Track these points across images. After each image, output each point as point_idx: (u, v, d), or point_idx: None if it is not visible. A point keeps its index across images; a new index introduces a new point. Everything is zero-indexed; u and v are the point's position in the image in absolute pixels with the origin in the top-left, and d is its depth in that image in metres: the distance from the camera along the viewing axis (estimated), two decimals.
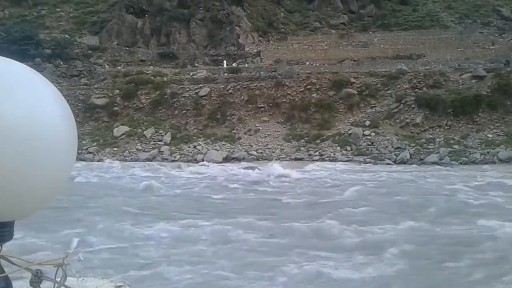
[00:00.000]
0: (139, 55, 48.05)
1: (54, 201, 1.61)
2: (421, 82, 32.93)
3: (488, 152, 26.51)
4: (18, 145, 1.28)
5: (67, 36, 47.77)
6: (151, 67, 43.23)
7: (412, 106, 31.45)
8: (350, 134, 30.75)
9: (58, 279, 1.68)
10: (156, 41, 52.24)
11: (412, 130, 30.31)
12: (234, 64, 43.44)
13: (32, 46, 41.80)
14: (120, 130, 32.77)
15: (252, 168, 24.51)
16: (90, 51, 46.15)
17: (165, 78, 37.43)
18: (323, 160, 28.31)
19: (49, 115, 1.38)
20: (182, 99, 35.24)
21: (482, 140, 28.23)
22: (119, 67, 43.51)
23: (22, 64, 1.43)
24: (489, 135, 28.55)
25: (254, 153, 30.23)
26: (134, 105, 35.54)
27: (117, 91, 36.24)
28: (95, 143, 31.70)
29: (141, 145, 31.54)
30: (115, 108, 35.38)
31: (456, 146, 27.72)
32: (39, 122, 1.34)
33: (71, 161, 1.59)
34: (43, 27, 52.29)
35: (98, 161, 28.91)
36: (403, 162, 26.86)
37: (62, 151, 1.47)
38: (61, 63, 43.17)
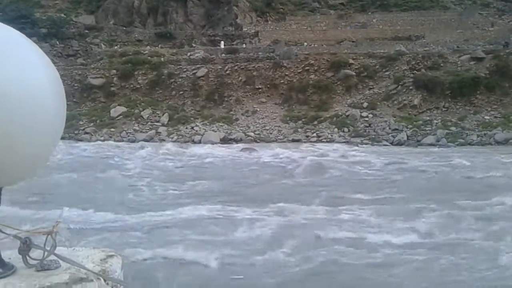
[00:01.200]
0: (136, 35, 47.60)
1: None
2: (420, 64, 32.81)
3: (485, 134, 26.59)
4: (4, 110, 1.28)
5: (63, 15, 47.22)
6: (148, 47, 42.89)
7: (410, 87, 31.38)
8: (348, 115, 30.73)
9: (47, 248, 1.69)
10: (153, 20, 51.67)
11: (410, 112, 30.30)
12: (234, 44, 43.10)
13: (28, 25, 41.26)
14: (117, 110, 32.64)
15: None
16: (86, 31, 45.68)
17: (162, 59, 37.15)
18: (321, 141, 28.35)
19: (36, 80, 1.37)
20: (180, 79, 35.05)
21: (479, 122, 28.27)
22: (115, 47, 43.14)
23: (10, 27, 1.41)
24: (486, 117, 28.58)
25: (252, 134, 30.22)
26: (131, 86, 35.34)
27: (114, 71, 35.99)
28: (92, 124, 31.61)
29: (138, 126, 31.45)
30: (112, 89, 35.18)
31: (453, 128, 27.76)
32: (26, 86, 1.33)
33: (59, 127, 1.59)
34: (38, 6, 51.57)
35: (95, 141, 28.87)
36: (400, 143, 26.94)
37: (50, 116, 1.46)
38: (57, 42, 42.77)
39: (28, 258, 1.67)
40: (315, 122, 30.68)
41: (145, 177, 17.00)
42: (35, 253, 1.72)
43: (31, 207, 10.76)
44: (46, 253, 1.69)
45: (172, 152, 24.19)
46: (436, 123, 28.60)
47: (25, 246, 1.66)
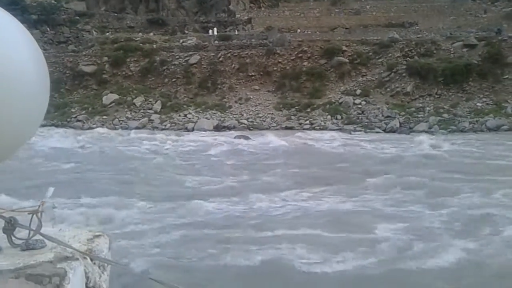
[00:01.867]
0: (128, 22, 47.14)
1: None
2: (413, 51, 32.77)
3: (477, 121, 26.73)
4: None
5: (53, 1, 46.59)
6: (140, 34, 42.50)
7: (403, 74, 31.39)
8: (341, 103, 30.73)
9: (33, 227, 1.68)
10: (145, 7, 51.16)
11: (403, 99, 30.34)
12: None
13: (18, 12, 40.68)
14: (109, 98, 32.42)
15: None
16: (77, 17, 45.16)
17: (154, 45, 36.85)
18: (314, 129, 28.39)
19: (19, 58, 1.35)
20: (172, 67, 34.82)
21: (471, 109, 28.40)
22: (107, 34, 42.71)
23: None
24: (478, 104, 28.69)
25: (245, 122, 30.18)
26: (123, 73, 35.07)
27: (106, 58, 35.67)
28: (84, 111, 31.41)
29: (130, 113, 31.29)
30: (104, 76, 34.90)
31: (445, 115, 27.88)
32: (8, 65, 1.31)
33: (42, 105, 1.57)
34: None
35: (87, 129, 28.71)
36: (392, 130, 27.04)
37: (32, 96, 1.44)
38: (48, 29, 42.27)
39: (13, 237, 1.66)
40: (308, 110, 30.67)
41: None
42: (21, 233, 1.71)
43: None
44: (31, 232, 1.68)
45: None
46: (429, 110, 28.69)
47: (10, 226, 1.65)
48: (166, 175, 15.64)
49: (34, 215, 1.70)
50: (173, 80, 34.37)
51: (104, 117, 30.78)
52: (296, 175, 15.45)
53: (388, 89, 31.19)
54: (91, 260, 1.80)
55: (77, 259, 1.62)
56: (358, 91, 31.43)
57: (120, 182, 14.11)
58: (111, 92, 32.96)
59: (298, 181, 14.32)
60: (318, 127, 28.51)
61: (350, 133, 26.66)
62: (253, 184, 13.96)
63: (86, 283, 1.70)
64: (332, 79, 32.96)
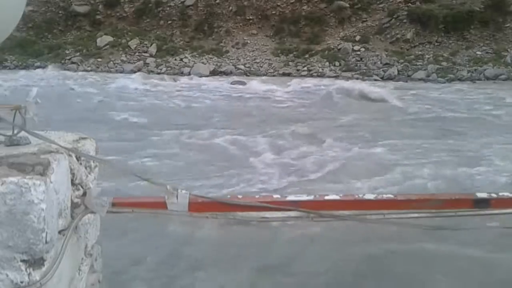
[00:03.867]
0: None
1: None
2: None
3: (475, 70, 26.51)
4: None
5: None
6: None
7: (404, 21, 30.73)
8: (340, 49, 30.24)
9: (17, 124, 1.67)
10: None
11: (402, 46, 29.88)
12: None
13: None
14: (103, 40, 31.76)
15: None
16: None
17: None
18: (311, 75, 28.10)
19: None
20: (168, 8, 33.88)
21: (471, 57, 28.06)
22: None
23: None
24: (478, 52, 28.32)
25: (242, 67, 29.81)
26: (117, 14, 34.15)
27: None
28: (78, 53, 30.84)
29: (125, 56, 30.78)
30: (98, 17, 34.00)
31: (444, 63, 27.59)
32: None
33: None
34: None
35: (82, 71, 28.32)
36: (390, 78, 26.82)
37: None
38: None
39: None
40: (306, 56, 30.22)
41: None
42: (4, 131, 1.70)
43: None
44: (16, 130, 1.67)
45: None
46: (428, 58, 28.34)
47: None
48: None
49: (18, 112, 1.68)
50: (169, 22, 33.56)
51: (99, 59, 30.28)
52: None
53: (388, 36, 30.64)
54: (77, 159, 1.81)
55: (62, 153, 1.62)
56: (358, 37, 30.87)
57: None
58: (105, 34, 32.23)
59: None
60: (315, 74, 28.21)
61: (348, 81, 26.43)
62: None
63: (72, 180, 1.72)
64: (331, 24, 32.27)
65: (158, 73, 28.47)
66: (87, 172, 1.87)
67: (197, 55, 30.76)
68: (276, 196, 1.80)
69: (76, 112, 15.40)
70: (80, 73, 27.50)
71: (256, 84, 23.85)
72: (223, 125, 13.77)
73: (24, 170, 1.45)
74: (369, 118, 14.90)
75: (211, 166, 9.18)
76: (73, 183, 1.72)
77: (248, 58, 30.74)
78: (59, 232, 1.57)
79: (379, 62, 28.45)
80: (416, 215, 1.74)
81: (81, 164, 1.83)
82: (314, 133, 12.40)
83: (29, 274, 1.38)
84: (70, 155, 1.71)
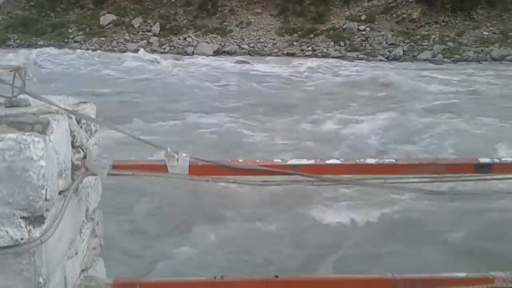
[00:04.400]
0: None
1: None
2: None
3: (481, 50, 26.20)
4: None
5: None
6: None
7: (410, 0, 30.30)
8: (345, 29, 29.92)
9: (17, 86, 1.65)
10: None
11: (408, 26, 29.51)
12: None
13: None
14: (106, 18, 31.51)
15: None
16: None
17: None
18: (316, 56, 27.84)
19: None
20: None
21: (477, 37, 27.71)
22: None
23: None
24: (484, 32, 27.95)
25: (246, 47, 29.59)
26: None
27: None
28: (81, 32, 30.67)
29: (129, 35, 30.58)
30: None
31: (450, 44, 27.26)
32: None
33: None
34: None
35: (86, 49, 28.14)
36: (395, 58, 26.56)
37: None
38: None
39: None
40: (311, 35, 29.92)
41: None
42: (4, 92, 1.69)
43: None
44: (15, 91, 1.66)
45: None
46: (434, 38, 28.00)
47: None
48: None
49: (17, 73, 1.67)
50: (172, 1, 33.21)
51: (102, 38, 30.12)
52: None
53: (394, 15, 30.24)
54: (77, 122, 1.80)
55: (61, 114, 1.61)
56: (363, 17, 30.50)
57: None
58: (108, 13, 31.97)
59: None
60: (320, 54, 27.94)
61: (353, 61, 26.20)
62: None
63: (72, 142, 1.71)
64: (337, 3, 31.84)
65: (162, 53, 28.28)
66: (88, 135, 1.86)
67: (200, 34, 30.53)
68: (277, 160, 1.79)
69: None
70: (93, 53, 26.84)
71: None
72: None
73: (23, 129, 1.44)
74: None
75: None
76: (73, 146, 1.72)
77: (252, 38, 30.48)
78: (60, 192, 1.58)
79: (384, 42, 28.15)
80: (417, 179, 1.73)
81: (81, 127, 1.83)
82: None
83: (29, 231, 1.38)
84: (70, 117, 1.70)
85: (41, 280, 1.41)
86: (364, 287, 1.80)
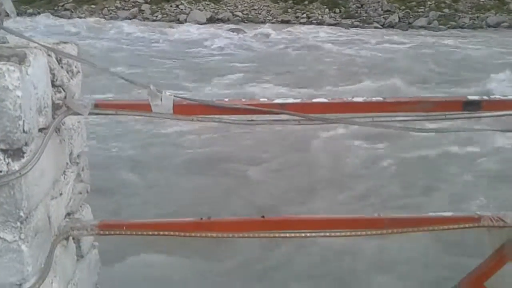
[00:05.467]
0: None
1: None
2: None
3: (477, 17, 25.95)
4: None
5: None
6: None
7: None
8: None
9: None
10: None
11: None
12: None
13: None
14: None
15: None
16: None
17: None
18: (311, 23, 27.50)
19: None
20: None
21: (474, 4, 27.37)
22: None
23: None
24: None
25: (240, 14, 29.13)
26: None
27: None
28: (71, 0, 30.00)
29: (120, 2, 29.95)
30: None
31: (446, 10, 26.95)
32: None
33: None
34: None
35: (76, 18, 27.61)
36: (391, 25, 26.30)
37: None
38: None
39: None
40: (306, 2, 29.46)
41: None
42: None
43: None
44: None
45: None
46: (430, 4, 27.64)
47: None
48: None
49: None
50: None
51: (93, 6, 29.51)
52: None
53: None
54: (58, 62, 1.75)
55: (39, 50, 1.56)
56: None
57: None
58: None
59: None
60: (315, 21, 27.61)
61: (348, 29, 25.84)
62: None
63: (53, 81, 1.67)
64: None
65: (154, 21, 27.83)
66: (69, 76, 1.81)
67: (193, 2, 29.94)
68: (263, 99, 1.75)
69: None
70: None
71: None
72: None
73: None
74: None
75: None
76: (54, 84, 1.67)
77: (245, 5, 29.99)
78: (41, 130, 1.55)
79: (380, 9, 27.80)
80: (405, 117, 1.70)
81: (62, 67, 1.78)
82: None
83: (7, 164, 1.35)
84: (49, 55, 1.66)
85: (22, 214, 1.39)
86: (351, 226, 1.80)
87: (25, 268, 1.43)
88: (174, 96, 1.69)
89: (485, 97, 1.71)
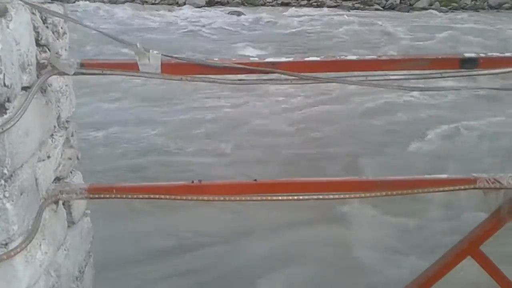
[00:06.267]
0: None
1: None
2: None
3: None
4: None
5: None
6: None
7: None
8: None
9: None
10: None
11: None
12: None
13: None
14: None
15: None
16: None
17: None
18: (311, 5, 27.19)
19: None
20: None
21: None
22: None
23: None
24: None
25: None
26: None
27: None
28: None
29: None
30: None
31: None
32: None
33: None
34: None
35: (73, 2, 27.29)
36: (392, 7, 25.97)
37: None
38: None
39: None
40: None
41: None
42: None
43: None
44: None
45: None
46: None
47: None
48: None
49: None
50: None
51: None
52: None
53: None
54: (43, 22, 1.71)
55: (23, 6, 1.51)
56: None
57: None
58: None
59: None
60: (315, 3, 27.28)
61: (349, 11, 25.53)
62: None
63: (37, 40, 1.63)
64: None
65: (152, 4, 27.53)
66: (55, 37, 1.77)
67: None
68: (253, 58, 1.71)
69: None
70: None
71: None
72: None
73: None
74: None
75: None
76: (39, 44, 1.63)
77: None
78: (25, 89, 1.51)
79: None
80: (400, 76, 1.66)
81: (47, 27, 1.73)
82: None
83: None
84: (33, 13, 1.61)
85: (5, 171, 1.36)
86: (344, 189, 1.78)
87: (10, 227, 1.41)
88: (162, 55, 1.64)
89: (482, 54, 1.67)
